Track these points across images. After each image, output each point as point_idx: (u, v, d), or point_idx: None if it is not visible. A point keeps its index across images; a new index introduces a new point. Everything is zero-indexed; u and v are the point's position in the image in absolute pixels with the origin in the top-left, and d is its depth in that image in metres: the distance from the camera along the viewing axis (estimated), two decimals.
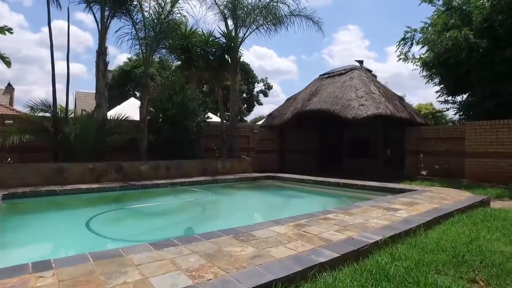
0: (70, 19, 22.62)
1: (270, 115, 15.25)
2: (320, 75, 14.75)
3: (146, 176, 9.23)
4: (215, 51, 12.69)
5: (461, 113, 13.90)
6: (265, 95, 47.39)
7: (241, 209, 7.52)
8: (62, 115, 9.83)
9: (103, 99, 9.95)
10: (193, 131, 11.19)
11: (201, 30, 12.78)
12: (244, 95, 58.14)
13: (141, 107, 10.77)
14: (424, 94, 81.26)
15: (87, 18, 79.28)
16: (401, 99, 13.57)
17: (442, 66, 13.61)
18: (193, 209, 6.72)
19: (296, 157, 15.89)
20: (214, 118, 16.18)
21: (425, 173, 11.20)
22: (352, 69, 13.48)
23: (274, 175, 11.13)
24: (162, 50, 12.23)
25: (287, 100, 15.21)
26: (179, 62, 13.52)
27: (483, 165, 10.04)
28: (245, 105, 54.21)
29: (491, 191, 8.41)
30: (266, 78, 49.56)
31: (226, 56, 12.82)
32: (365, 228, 3.77)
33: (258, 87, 61.32)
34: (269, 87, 49.43)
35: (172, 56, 13.24)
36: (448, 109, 14.61)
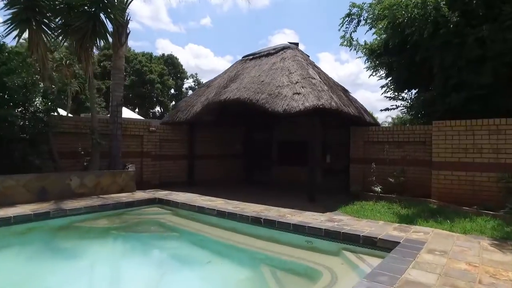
0: None
1: (175, 107, 11.19)
2: (243, 57, 11.17)
3: None
4: (82, 4, 8.27)
5: (412, 112, 11.42)
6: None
7: None
8: None
9: None
10: (24, 125, 6.68)
11: None
12: (172, 90, 53.11)
13: None
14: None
15: None
16: (345, 91, 10.61)
17: (392, 53, 10.96)
18: None
19: (212, 164, 12.08)
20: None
21: (379, 189, 8.21)
22: (284, 48, 10.13)
23: (164, 199, 7.17)
24: None
25: (199, 88, 11.35)
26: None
27: (455, 181, 7.30)
28: (173, 102, 49.23)
29: (482, 224, 5.54)
30: (196, 74, 45.56)
31: (101, 15, 8.48)
32: None
33: (188, 83, 56.61)
34: (199, 83, 45.37)
35: None
36: (397, 107, 12.10)
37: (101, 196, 7.06)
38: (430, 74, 9.76)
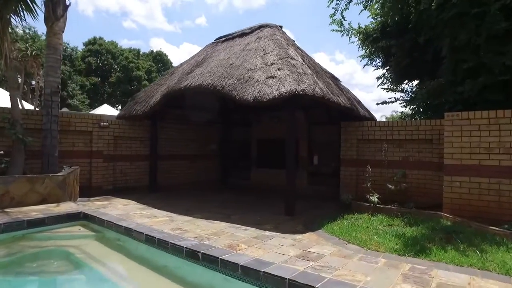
0: None
1: (132, 99, 9.43)
2: (216, 39, 9.43)
3: None
4: None
5: (414, 106, 9.76)
6: None
7: None
8: None
9: None
10: None
11: None
12: None
13: None
14: None
15: None
16: (335, 79, 8.91)
17: (391, 36, 9.32)
18: None
19: (181, 166, 10.33)
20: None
21: (375, 199, 6.52)
22: (262, 26, 8.41)
23: (90, 214, 5.40)
24: None
25: (162, 76, 9.61)
26: None
27: (475, 189, 5.63)
28: None
29: None
30: None
31: None
32: None
33: None
34: None
35: None
36: (396, 100, 10.42)
37: (7, 210, 5.29)
38: (436, 59, 8.12)
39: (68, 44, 42.37)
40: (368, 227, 5.33)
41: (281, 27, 9.18)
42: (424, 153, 7.10)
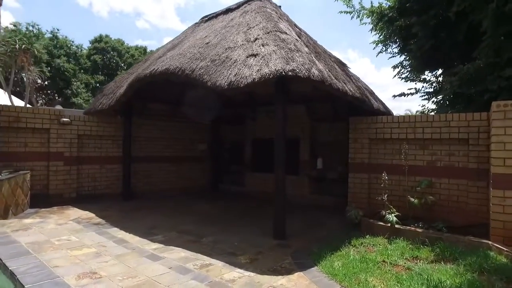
0: None
1: (100, 91, 8.06)
2: (201, 18, 7.94)
3: None
4: None
5: (439, 98, 8.03)
6: None
7: None
8: None
9: None
10: None
11: None
12: None
13: None
14: None
15: None
16: (342, 64, 7.29)
17: (411, 12, 7.67)
18: None
19: (162, 169, 8.93)
20: None
21: (393, 217, 4.91)
22: (249, 0, 6.87)
23: None
24: None
25: (137, 63, 8.24)
26: None
27: None
28: None
29: None
30: None
31: None
32: None
33: None
34: None
35: None
36: (416, 91, 8.70)
37: None
38: (470, 38, 6.45)
39: (73, 41, 41.77)
40: (384, 262, 3.76)
41: (279, 7, 7.63)
42: (456, 157, 5.46)
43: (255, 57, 4.47)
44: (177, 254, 4.00)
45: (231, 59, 4.75)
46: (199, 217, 6.19)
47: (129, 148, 7.88)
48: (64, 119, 7.09)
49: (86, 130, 7.49)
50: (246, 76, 4.25)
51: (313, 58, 4.77)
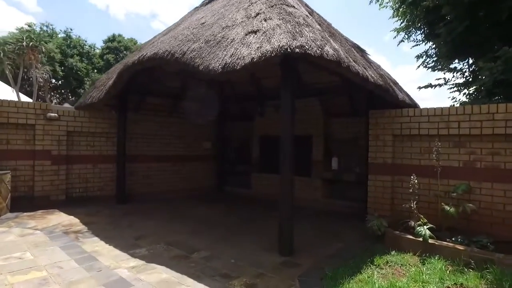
0: None
1: (92, 83, 7.41)
2: (202, 1, 7.16)
3: None
4: None
5: (473, 89, 7.01)
6: None
7: None
8: None
9: None
10: None
11: None
12: None
13: None
14: None
15: None
16: (360, 50, 6.38)
17: None
18: None
19: (162, 170, 8.23)
20: None
21: (426, 231, 4.00)
22: None
23: None
24: None
25: (132, 52, 7.56)
26: None
27: None
28: None
29: None
30: None
31: None
32: None
33: None
34: None
35: None
36: (446, 81, 7.69)
37: None
38: None
39: (85, 41, 41.94)
40: None
41: None
42: (502, 156, 4.52)
43: (256, 33, 3.66)
44: (157, 275, 3.24)
45: (227, 38, 3.95)
46: (195, 224, 5.43)
47: (124, 146, 7.19)
48: (51, 114, 6.45)
49: (77, 126, 6.84)
50: (244, 56, 3.45)
51: (327, 36, 3.92)
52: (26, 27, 21.29)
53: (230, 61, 3.57)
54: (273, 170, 7.85)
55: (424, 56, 8.55)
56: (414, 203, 4.39)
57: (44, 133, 6.41)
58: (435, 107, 5.08)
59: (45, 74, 17.89)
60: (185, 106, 8.35)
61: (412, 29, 8.56)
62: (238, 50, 3.60)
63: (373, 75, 4.53)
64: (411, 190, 4.40)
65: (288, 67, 3.64)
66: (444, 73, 8.02)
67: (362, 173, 6.52)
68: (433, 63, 8.37)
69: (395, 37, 9.60)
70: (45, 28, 34.88)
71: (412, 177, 4.38)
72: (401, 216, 4.99)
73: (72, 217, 5.61)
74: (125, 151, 7.24)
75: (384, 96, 5.13)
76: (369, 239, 4.59)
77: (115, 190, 7.29)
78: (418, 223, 4.24)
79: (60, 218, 5.48)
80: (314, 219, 5.91)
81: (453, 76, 7.76)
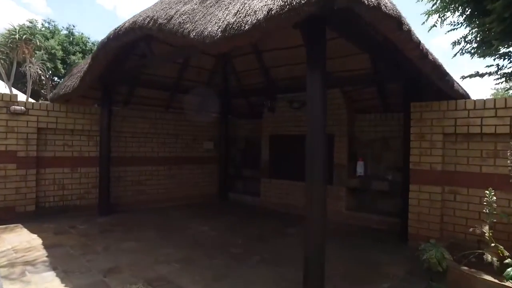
0: None
1: (69, 71, 6.26)
2: None
3: None
4: None
5: None
6: None
7: None
8: None
9: None
10: None
11: None
12: None
13: None
14: None
15: None
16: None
17: None
18: None
19: (155, 174, 7.04)
20: None
21: (497, 261, 2.75)
22: None
23: None
24: None
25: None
26: None
27: None
28: None
29: None
30: None
31: None
32: None
33: None
34: None
35: None
36: (499, 69, 6.41)
37: None
38: None
39: (89, 38, 41.08)
40: None
41: None
42: None
43: None
44: None
45: None
46: (190, 248, 4.23)
47: (108, 146, 6.02)
48: (15, 107, 5.29)
49: (50, 123, 5.68)
50: (256, 11, 2.24)
51: None
52: (27, 23, 20.34)
53: (235, 21, 2.37)
54: (286, 176, 6.64)
55: (463, 42, 7.28)
56: (487, 228, 3.15)
57: (7, 130, 5.25)
58: (505, 97, 3.83)
59: (40, 70, 16.86)
60: (183, 100, 7.16)
61: (448, 10, 7.30)
62: (246, 5, 2.40)
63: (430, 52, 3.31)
64: (485, 210, 3.16)
65: (318, 30, 2.43)
66: (494, 59, 6.71)
67: (396, 180, 5.30)
68: (474, 50, 7.08)
69: (423, 22, 8.36)
70: (47, 25, 34.03)
71: (489, 191, 3.13)
72: (457, 240, 3.79)
73: (35, 236, 4.45)
74: (110, 152, 6.08)
75: (437, 85, 3.89)
76: (422, 274, 3.36)
77: (95, 201, 6.12)
78: (496, 259, 2.99)
79: (18, 238, 4.32)
80: (339, 239, 4.68)
81: (503, 65, 6.46)
